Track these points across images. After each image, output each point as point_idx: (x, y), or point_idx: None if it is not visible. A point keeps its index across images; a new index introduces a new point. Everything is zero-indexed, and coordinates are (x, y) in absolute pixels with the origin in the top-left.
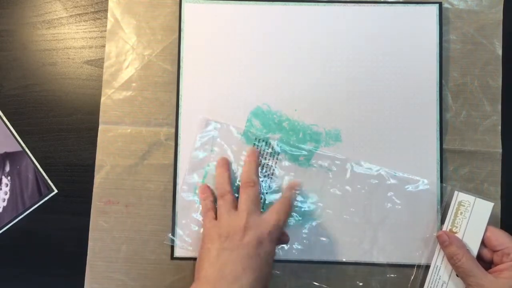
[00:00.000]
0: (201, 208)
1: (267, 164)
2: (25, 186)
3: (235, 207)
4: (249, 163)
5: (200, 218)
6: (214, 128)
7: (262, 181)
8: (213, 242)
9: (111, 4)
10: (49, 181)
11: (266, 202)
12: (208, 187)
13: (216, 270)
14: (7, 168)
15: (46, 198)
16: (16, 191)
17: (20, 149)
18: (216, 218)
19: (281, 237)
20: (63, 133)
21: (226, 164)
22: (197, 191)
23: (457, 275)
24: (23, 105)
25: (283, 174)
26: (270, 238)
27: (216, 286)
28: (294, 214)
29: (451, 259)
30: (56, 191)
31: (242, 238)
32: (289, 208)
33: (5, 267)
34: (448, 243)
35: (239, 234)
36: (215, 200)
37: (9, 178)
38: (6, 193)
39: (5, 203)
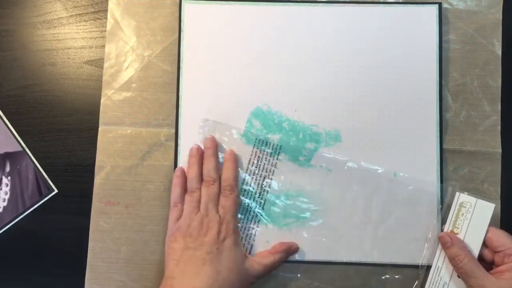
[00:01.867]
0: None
1: (267, 165)
2: (25, 186)
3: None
4: (207, 158)
5: None
6: (214, 129)
7: (262, 182)
8: (177, 241)
9: (111, 5)
10: (49, 181)
11: (267, 203)
12: (184, 172)
13: (179, 269)
14: (7, 168)
15: (46, 198)
16: (16, 191)
17: (20, 149)
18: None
19: (290, 249)
20: (63, 133)
21: (198, 155)
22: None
23: (458, 276)
24: (23, 105)
25: (283, 174)
26: (229, 233)
27: (180, 284)
28: (295, 214)
29: (453, 260)
30: (56, 191)
31: (204, 237)
32: (234, 197)
33: (5, 267)
34: (450, 244)
35: (201, 233)
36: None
37: (9, 178)
38: (6, 193)
39: (5, 203)
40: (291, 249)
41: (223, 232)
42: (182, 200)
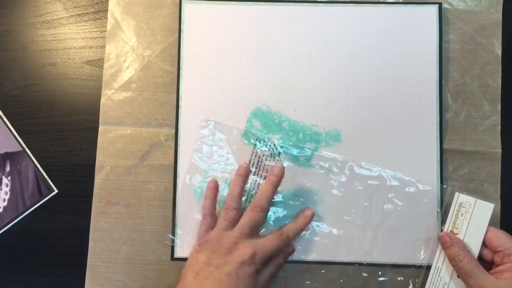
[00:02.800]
0: (201, 205)
1: (268, 165)
2: (26, 186)
3: (234, 225)
4: (267, 185)
5: (200, 218)
6: (214, 129)
7: (262, 182)
8: (202, 254)
9: (111, 5)
10: (49, 181)
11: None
12: (217, 184)
13: (197, 283)
14: (8, 168)
15: (46, 198)
16: (16, 191)
17: (20, 149)
18: (212, 225)
19: (285, 249)
20: (63, 133)
21: (245, 175)
22: (198, 189)
23: (458, 276)
24: (23, 105)
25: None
26: (252, 261)
27: None
28: (295, 215)
29: (453, 261)
30: (56, 191)
31: (226, 257)
32: (283, 240)
33: (6, 267)
34: (450, 244)
35: (226, 252)
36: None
37: (9, 178)
38: (6, 193)
39: (5, 203)
40: (288, 251)
41: (247, 258)
42: (212, 213)
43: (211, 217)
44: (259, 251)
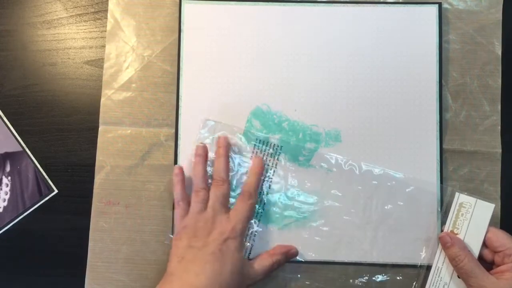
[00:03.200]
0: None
1: (267, 165)
2: (26, 186)
3: (206, 204)
4: (218, 158)
5: None
6: (214, 129)
7: (262, 182)
8: (182, 240)
9: (111, 5)
10: (49, 181)
11: (267, 203)
12: (182, 170)
13: (182, 267)
14: (8, 168)
15: (46, 198)
16: (16, 191)
17: (20, 149)
18: (187, 210)
19: (289, 252)
20: (63, 133)
21: (204, 153)
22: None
23: (458, 277)
24: (23, 105)
25: (283, 174)
26: (234, 235)
27: (179, 280)
28: (295, 214)
29: (453, 261)
30: (56, 191)
31: (207, 237)
32: (251, 205)
33: (5, 267)
34: (450, 244)
35: (205, 233)
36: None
37: (9, 178)
38: (6, 193)
39: (5, 203)
40: (290, 253)
41: (228, 233)
42: (184, 198)
43: (184, 202)
44: (236, 222)
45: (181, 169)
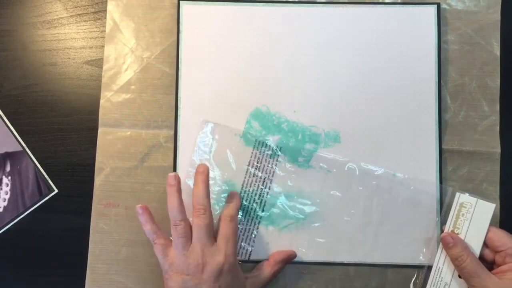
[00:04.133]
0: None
1: (267, 166)
2: (26, 185)
3: (189, 237)
4: (198, 185)
5: None
6: (213, 130)
7: (262, 183)
8: (175, 280)
9: (110, 7)
10: (49, 180)
11: (267, 204)
12: (145, 208)
13: None
14: (8, 168)
15: (46, 198)
16: (16, 190)
17: (21, 149)
18: (168, 244)
19: (288, 258)
20: (63, 133)
21: (177, 182)
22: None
23: (459, 276)
24: (23, 105)
25: (282, 175)
26: (228, 264)
27: None
28: (295, 215)
29: (456, 261)
30: (56, 190)
31: (201, 274)
32: (235, 227)
33: (5, 267)
34: (452, 245)
35: (197, 270)
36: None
37: (9, 178)
38: (6, 193)
39: (5, 203)
40: (290, 258)
41: (221, 265)
42: (159, 234)
43: (162, 238)
44: (227, 250)
45: (145, 209)
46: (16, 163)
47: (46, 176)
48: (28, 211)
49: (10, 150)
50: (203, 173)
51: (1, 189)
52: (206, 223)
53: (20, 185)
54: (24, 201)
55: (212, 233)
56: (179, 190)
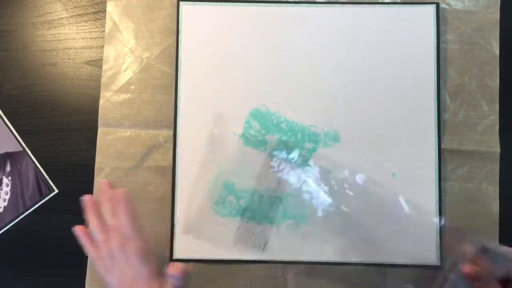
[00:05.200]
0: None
1: (266, 166)
2: (26, 186)
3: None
4: (119, 216)
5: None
6: (212, 130)
7: (261, 183)
8: None
9: (109, 8)
10: (49, 181)
11: (267, 204)
12: (83, 230)
13: None
14: (8, 168)
15: (46, 198)
16: (17, 191)
17: (21, 149)
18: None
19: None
20: (63, 133)
21: (93, 204)
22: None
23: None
24: (23, 105)
25: (282, 175)
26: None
27: None
28: (294, 214)
29: None
30: (56, 191)
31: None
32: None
33: (5, 267)
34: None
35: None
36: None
37: (9, 178)
38: (7, 193)
39: (5, 203)
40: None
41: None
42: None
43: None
44: (135, 266)
45: (82, 230)
46: (16, 163)
47: (46, 176)
48: (28, 211)
49: (10, 150)
50: (123, 203)
51: (1, 189)
52: (134, 248)
53: (20, 185)
54: (24, 201)
55: (150, 255)
56: (96, 212)
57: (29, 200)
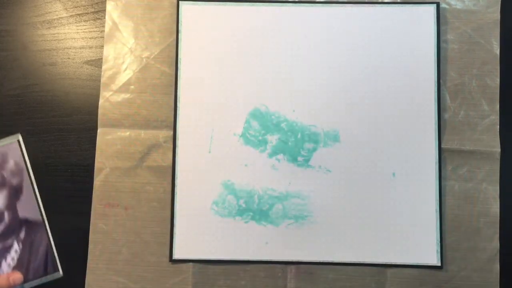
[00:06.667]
0: None
1: (266, 165)
2: (34, 259)
3: None
4: None
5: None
6: (212, 130)
7: (261, 183)
8: None
9: (109, 7)
10: (58, 261)
11: (265, 203)
12: None
13: None
14: (22, 235)
15: (48, 280)
16: (23, 261)
17: (40, 219)
18: None
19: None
20: (63, 133)
21: None
22: None
23: None
24: (23, 105)
25: (282, 175)
26: None
27: None
28: (294, 214)
29: None
30: (61, 274)
31: None
32: None
33: None
34: None
35: None
36: None
37: (20, 245)
38: (13, 259)
39: (9, 269)
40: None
41: None
42: None
43: None
44: None
45: None
46: (31, 233)
47: (56, 256)
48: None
49: (29, 216)
50: None
51: (9, 254)
52: None
53: (29, 256)
54: (28, 273)
55: None
56: None
57: (32, 274)
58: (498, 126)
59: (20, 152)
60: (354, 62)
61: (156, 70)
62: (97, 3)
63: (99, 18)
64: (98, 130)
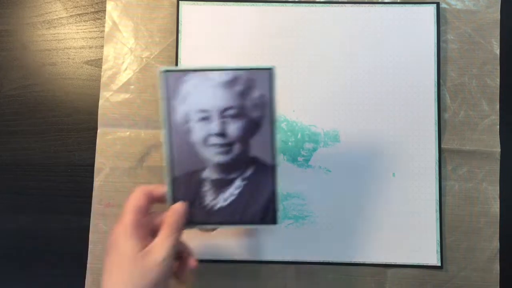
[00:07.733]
0: None
1: None
2: (253, 202)
3: None
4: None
5: None
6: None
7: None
8: None
9: (109, 7)
10: (277, 213)
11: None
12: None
13: None
14: (248, 174)
15: (261, 228)
16: (241, 200)
17: (271, 162)
18: None
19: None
20: (63, 133)
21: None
22: None
23: None
24: (23, 105)
25: (282, 175)
26: None
27: None
28: (294, 214)
29: None
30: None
31: None
32: None
33: (5, 267)
34: None
35: None
36: None
37: (243, 183)
38: (232, 194)
39: (224, 204)
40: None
41: None
42: None
43: None
44: None
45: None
46: (258, 174)
47: (277, 207)
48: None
49: (261, 157)
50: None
51: (229, 188)
52: None
53: (248, 198)
54: (243, 216)
55: None
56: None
57: (249, 218)
58: (498, 126)
59: (268, 84)
60: (354, 62)
61: (156, 70)
62: (97, 3)
63: (99, 18)
64: (98, 130)
